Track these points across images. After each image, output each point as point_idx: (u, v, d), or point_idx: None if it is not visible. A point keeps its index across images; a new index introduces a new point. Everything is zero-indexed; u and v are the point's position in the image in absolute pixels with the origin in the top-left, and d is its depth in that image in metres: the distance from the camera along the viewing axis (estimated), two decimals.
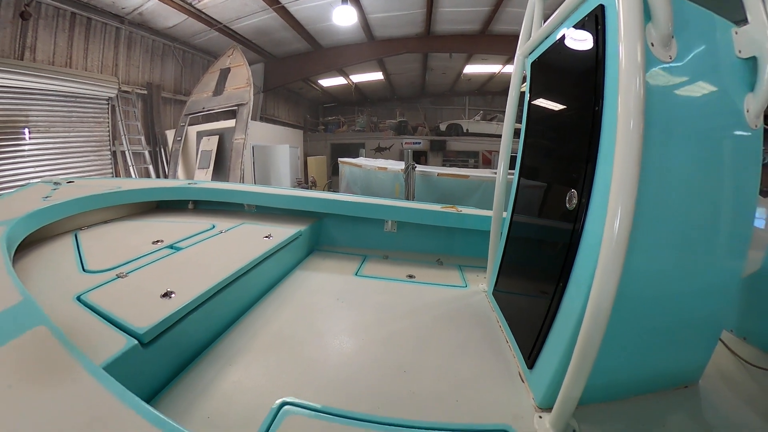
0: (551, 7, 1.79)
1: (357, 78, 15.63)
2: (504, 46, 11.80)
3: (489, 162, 15.72)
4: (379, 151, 15.97)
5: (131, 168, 9.16)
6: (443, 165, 15.10)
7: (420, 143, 16.25)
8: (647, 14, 1.07)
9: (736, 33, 1.23)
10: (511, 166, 2.18)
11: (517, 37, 2.22)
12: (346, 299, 2.22)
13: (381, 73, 15.03)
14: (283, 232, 2.69)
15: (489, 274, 2.33)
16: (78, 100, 8.61)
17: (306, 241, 2.97)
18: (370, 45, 12.04)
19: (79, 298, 1.41)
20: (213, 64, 10.02)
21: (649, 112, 1.02)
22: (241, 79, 9.22)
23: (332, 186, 13.51)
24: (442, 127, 16.59)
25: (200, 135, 9.54)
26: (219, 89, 9.45)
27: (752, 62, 1.20)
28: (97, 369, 0.85)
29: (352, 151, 14.79)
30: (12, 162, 7.37)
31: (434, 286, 2.50)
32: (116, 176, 9.16)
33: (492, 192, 3.57)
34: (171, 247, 2.31)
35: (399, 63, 14.00)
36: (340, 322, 1.92)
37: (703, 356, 1.38)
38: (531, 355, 1.39)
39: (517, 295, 1.86)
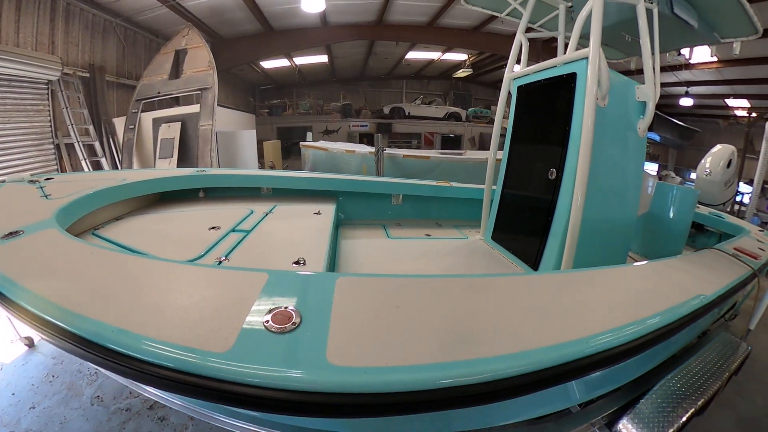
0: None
1: (301, 60, 14.89)
2: (447, 38, 12.18)
3: (430, 143, 16.17)
4: (327, 134, 15.56)
5: (84, 162, 7.98)
6: (389, 146, 15.24)
7: (367, 126, 16.15)
8: (597, 82, 2.03)
9: (638, 88, 2.28)
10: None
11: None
12: (395, 251, 2.95)
13: (326, 56, 14.50)
14: (324, 209, 3.15)
15: (483, 227, 3.28)
16: (13, 83, 7.20)
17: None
18: (322, 30, 11.50)
19: None
20: (166, 45, 8.93)
21: (596, 129, 2.00)
22: (202, 61, 8.36)
23: (290, 169, 13.00)
24: (386, 110, 16.59)
25: (157, 122, 8.53)
26: (176, 72, 8.53)
27: (643, 104, 2.28)
28: None
29: (299, 134, 14.36)
30: None
31: (445, 239, 3.36)
32: (62, 172, 7.97)
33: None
34: (234, 230, 2.47)
35: (345, 47, 13.58)
36: (400, 262, 2.68)
37: (622, 260, 2.45)
38: (535, 261, 2.43)
39: (513, 233, 2.90)
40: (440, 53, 14.69)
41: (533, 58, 2.92)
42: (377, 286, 1.29)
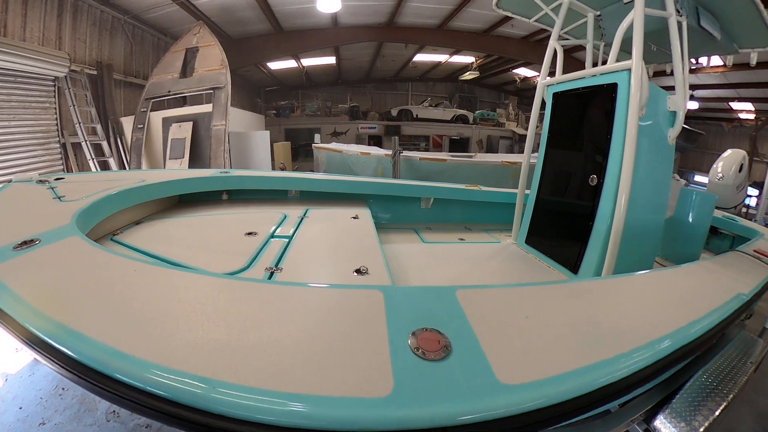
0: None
1: (308, 62, 14.61)
2: (456, 41, 12.02)
3: (439, 145, 15.98)
4: (335, 136, 15.26)
5: (92, 162, 7.62)
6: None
7: (375, 128, 15.90)
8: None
9: (669, 98, 2.26)
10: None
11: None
12: (435, 256, 2.84)
13: (334, 57, 14.24)
14: (360, 213, 3.02)
15: (515, 231, 3.20)
16: (19, 79, 6.85)
17: None
18: (332, 31, 11.24)
19: None
20: (176, 43, 8.61)
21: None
22: (214, 60, 8.06)
23: (300, 171, 12.69)
24: (394, 112, 16.35)
25: (167, 121, 8.19)
26: (187, 71, 8.20)
27: (674, 113, 2.28)
28: None
29: (306, 136, 14.12)
30: None
31: (479, 243, 3.29)
32: (69, 173, 7.59)
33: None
34: (274, 236, 2.32)
35: (354, 49, 13.33)
36: (444, 268, 2.59)
37: (650, 264, 2.47)
38: (575, 265, 2.40)
39: (550, 238, 2.83)
40: (448, 56, 14.49)
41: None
42: (495, 296, 1.26)
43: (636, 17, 2.03)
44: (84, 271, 1.22)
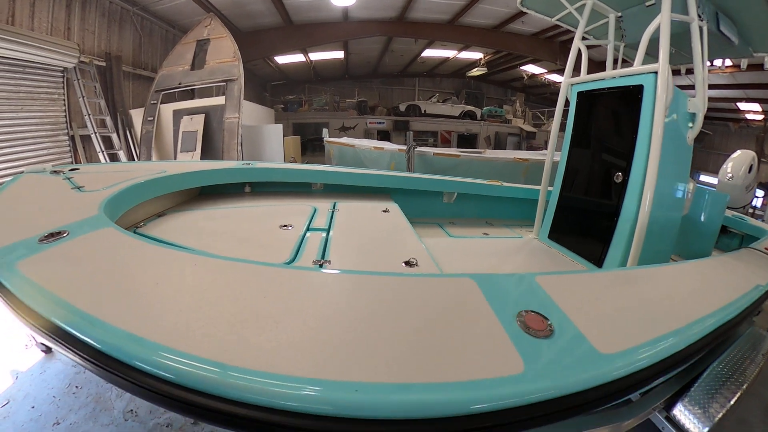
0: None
1: (315, 56, 14.39)
2: (466, 36, 11.88)
3: (447, 141, 15.83)
4: (344, 131, 15.08)
5: (101, 154, 7.43)
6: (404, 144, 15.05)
7: (384, 123, 15.72)
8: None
9: (689, 100, 2.32)
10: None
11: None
12: (464, 250, 2.82)
13: (342, 52, 14.02)
14: (388, 206, 3.04)
15: (537, 227, 3.21)
16: (27, 70, 6.64)
17: None
18: (343, 25, 11.04)
19: None
20: (186, 35, 8.41)
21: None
22: (226, 52, 7.85)
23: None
24: (402, 107, 16.18)
25: (178, 114, 8.01)
26: (198, 63, 8.00)
27: (693, 115, 2.33)
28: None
29: (313, 130, 13.95)
30: None
31: (502, 238, 3.34)
32: (81, 164, 7.40)
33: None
34: (310, 229, 2.30)
35: (363, 43, 13.14)
36: (474, 261, 2.56)
37: (667, 258, 2.54)
38: (599, 259, 2.43)
39: (574, 233, 2.87)
40: (456, 51, 14.29)
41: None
42: (569, 281, 1.37)
43: (663, 22, 2.11)
44: (132, 267, 1.12)
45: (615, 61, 3.09)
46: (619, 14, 3.00)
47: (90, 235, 1.29)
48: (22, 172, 2.27)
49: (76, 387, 2.62)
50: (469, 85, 18.96)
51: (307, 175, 3.39)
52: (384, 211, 2.94)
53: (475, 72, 15.49)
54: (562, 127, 3.10)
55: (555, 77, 15.56)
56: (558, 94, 3.02)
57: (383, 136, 15.27)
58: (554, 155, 3.18)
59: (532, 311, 1.06)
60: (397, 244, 2.21)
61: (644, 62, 2.28)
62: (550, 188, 3.18)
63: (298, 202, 2.98)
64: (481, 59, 14.80)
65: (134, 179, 2.11)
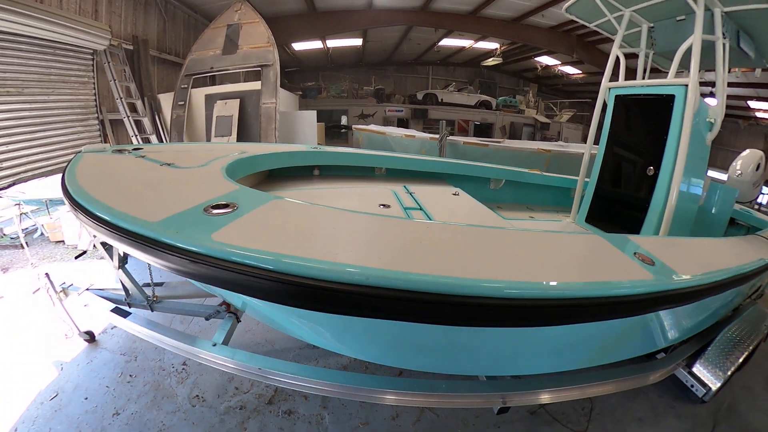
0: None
1: (332, 43, 14.10)
2: (486, 27, 11.78)
3: (464, 130, 15.80)
4: (363, 118, 14.88)
5: (134, 138, 7.21)
6: (423, 131, 14.98)
7: (402, 111, 15.58)
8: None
9: (710, 109, 2.71)
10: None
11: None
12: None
13: (361, 39, 13.75)
14: (456, 191, 3.25)
15: (574, 212, 3.60)
16: (58, 51, 6.33)
17: None
18: (367, 12, 10.80)
19: None
20: (216, 19, 8.14)
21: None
22: (260, 37, 7.62)
23: None
24: (419, 95, 16.04)
25: (210, 99, 7.78)
26: (230, 47, 7.77)
27: (712, 122, 2.72)
28: None
29: (334, 117, 13.73)
30: None
31: (545, 221, 3.69)
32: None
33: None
34: (406, 209, 2.50)
35: (382, 31, 12.89)
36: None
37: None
38: None
39: (609, 218, 3.24)
40: (473, 41, 14.09)
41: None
42: (650, 241, 1.93)
43: (695, 44, 2.52)
44: (311, 221, 1.37)
45: (647, 68, 3.46)
46: (652, 25, 3.32)
47: (267, 206, 1.41)
48: (80, 151, 2.17)
49: (131, 376, 2.54)
50: (482, 75, 18.78)
51: (373, 160, 3.60)
52: (454, 194, 3.18)
53: (490, 62, 15.31)
54: (599, 125, 3.47)
55: (569, 69, 15.47)
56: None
57: (402, 123, 15.13)
58: (588, 149, 3.58)
59: (642, 253, 1.58)
60: (485, 222, 2.46)
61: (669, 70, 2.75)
62: (587, 179, 3.52)
63: (369, 185, 3.19)
64: (496, 49, 14.62)
65: (234, 156, 2.17)
